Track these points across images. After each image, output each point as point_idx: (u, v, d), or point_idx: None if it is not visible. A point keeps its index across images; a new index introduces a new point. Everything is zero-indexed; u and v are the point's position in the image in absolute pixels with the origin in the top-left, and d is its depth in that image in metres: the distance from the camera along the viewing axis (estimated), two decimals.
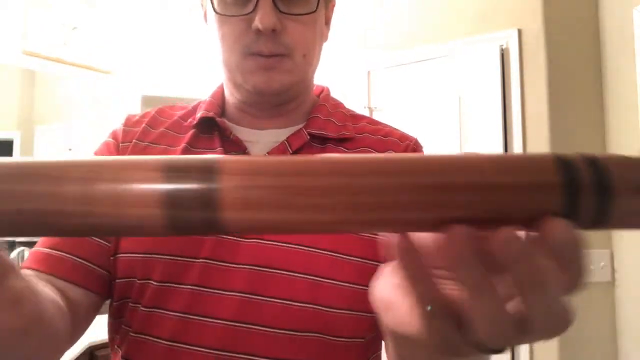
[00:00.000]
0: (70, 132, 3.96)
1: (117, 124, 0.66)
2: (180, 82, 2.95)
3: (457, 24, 2.12)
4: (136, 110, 2.73)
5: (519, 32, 1.95)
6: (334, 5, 0.67)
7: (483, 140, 1.99)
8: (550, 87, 1.87)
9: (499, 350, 0.23)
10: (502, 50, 1.98)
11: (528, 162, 0.21)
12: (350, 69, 2.29)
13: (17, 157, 4.33)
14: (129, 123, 0.65)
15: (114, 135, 0.65)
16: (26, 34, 3.02)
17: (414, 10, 2.26)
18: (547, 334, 0.23)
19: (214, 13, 0.58)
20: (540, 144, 1.86)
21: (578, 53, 1.92)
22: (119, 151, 0.62)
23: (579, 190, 0.20)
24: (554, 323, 0.22)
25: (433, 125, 2.00)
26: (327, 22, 0.66)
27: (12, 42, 2.97)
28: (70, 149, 3.87)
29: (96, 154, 0.64)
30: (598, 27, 1.93)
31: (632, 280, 1.71)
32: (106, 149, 0.63)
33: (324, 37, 0.64)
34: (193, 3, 2.97)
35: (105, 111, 3.39)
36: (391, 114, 2.20)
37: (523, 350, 1.82)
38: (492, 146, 1.96)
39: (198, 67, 2.97)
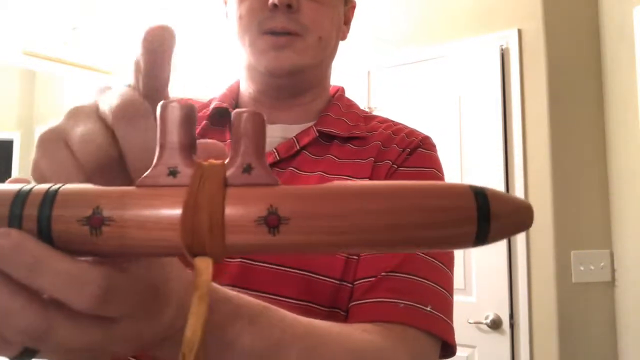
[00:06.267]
0: None
1: None
2: (180, 82, 2.95)
3: (457, 24, 2.13)
4: None
5: (519, 32, 1.95)
6: (354, 7, 0.68)
7: (483, 140, 1.99)
8: (550, 87, 1.87)
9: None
10: (502, 50, 1.98)
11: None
12: (350, 69, 2.30)
13: (17, 157, 4.33)
14: None
15: None
16: (26, 34, 3.02)
17: (414, 10, 2.26)
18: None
19: None
20: (540, 144, 1.86)
21: (578, 53, 1.92)
22: None
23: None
24: None
25: (433, 125, 2.00)
26: (347, 22, 0.66)
27: (12, 42, 2.97)
28: None
29: None
30: (598, 27, 1.93)
31: (632, 280, 1.71)
32: None
33: (341, 30, 0.65)
34: (192, 3, 2.97)
35: None
36: (391, 114, 2.19)
37: (523, 351, 1.82)
38: (491, 146, 1.96)
39: (198, 68, 2.97)
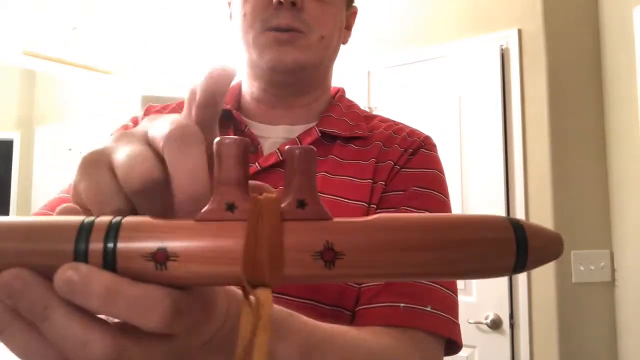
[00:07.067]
0: (70, 132, 3.96)
1: (124, 119, 0.67)
2: (180, 82, 2.95)
3: (457, 24, 2.13)
4: (136, 110, 2.73)
5: (519, 32, 1.95)
6: (355, 13, 0.69)
7: (483, 140, 1.99)
8: (550, 87, 1.87)
9: None
10: (502, 50, 1.98)
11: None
12: (350, 69, 2.30)
13: (17, 157, 4.33)
14: (149, 113, 0.66)
15: (134, 120, 0.65)
16: (26, 34, 3.02)
17: (414, 10, 2.26)
18: None
19: None
20: (539, 145, 1.86)
21: (578, 53, 1.92)
22: None
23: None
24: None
25: (433, 125, 2.01)
26: (348, 28, 0.68)
27: (12, 42, 2.97)
28: (70, 149, 3.87)
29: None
30: (598, 27, 1.93)
31: (632, 280, 1.71)
32: None
33: (342, 33, 0.65)
34: (192, 3, 2.97)
35: (105, 111, 3.39)
36: (391, 114, 2.19)
37: (523, 351, 1.82)
38: (492, 146, 1.96)
39: (198, 67, 2.97)
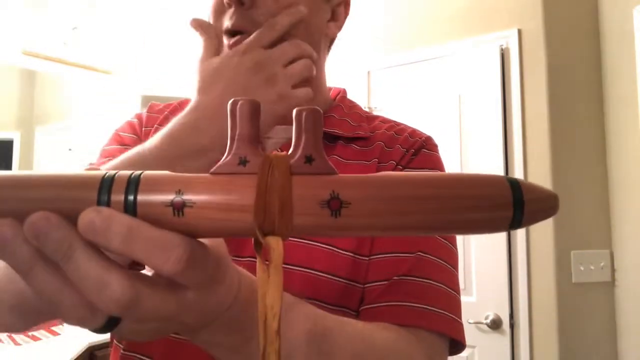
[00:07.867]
0: (70, 132, 3.96)
1: (121, 121, 0.66)
2: (180, 82, 2.95)
3: (457, 24, 2.13)
4: (136, 110, 2.72)
5: (519, 32, 1.95)
6: (347, 4, 0.63)
7: (483, 140, 1.99)
8: (550, 87, 1.87)
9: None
10: (502, 50, 1.98)
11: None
12: (350, 69, 2.30)
13: (17, 157, 4.33)
14: (153, 110, 0.66)
15: (138, 116, 0.65)
16: (26, 34, 3.02)
17: (414, 11, 2.26)
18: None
19: None
20: (540, 144, 1.86)
21: (578, 53, 1.92)
22: (142, 133, 0.62)
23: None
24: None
25: (433, 126, 2.00)
26: (337, 19, 0.61)
27: (12, 42, 2.97)
28: (70, 149, 3.87)
29: (118, 131, 0.64)
30: (598, 27, 1.94)
31: (632, 280, 1.71)
32: (129, 128, 0.63)
33: (324, 27, 0.59)
34: (192, 3, 2.96)
35: (105, 111, 3.39)
36: (391, 114, 2.19)
37: (523, 351, 1.82)
38: (492, 146, 1.96)
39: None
